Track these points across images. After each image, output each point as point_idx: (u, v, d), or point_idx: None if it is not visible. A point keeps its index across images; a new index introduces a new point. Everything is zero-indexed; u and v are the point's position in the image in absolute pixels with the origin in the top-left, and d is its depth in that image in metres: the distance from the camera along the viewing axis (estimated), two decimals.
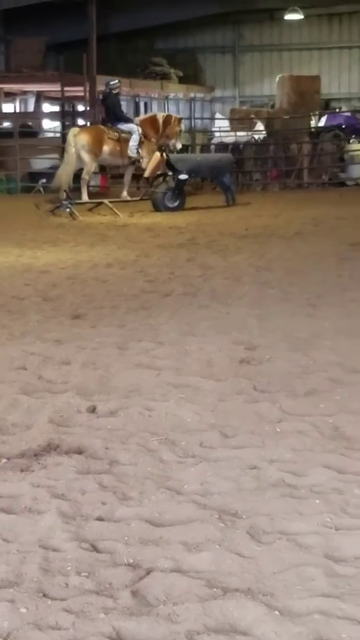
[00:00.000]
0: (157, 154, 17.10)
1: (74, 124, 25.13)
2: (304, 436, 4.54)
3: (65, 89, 24.06)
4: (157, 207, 16.58)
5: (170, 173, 16.63)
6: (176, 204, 16.61)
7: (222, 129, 24.62)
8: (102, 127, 18.28)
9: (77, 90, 24.55)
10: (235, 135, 22.85)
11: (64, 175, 17.35)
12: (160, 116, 19.10)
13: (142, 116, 20.18)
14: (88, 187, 17.78)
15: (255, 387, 5.42)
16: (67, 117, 26.28)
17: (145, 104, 31.57)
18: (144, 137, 18.13)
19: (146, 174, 17.61)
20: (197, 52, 32.26)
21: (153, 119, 18.84)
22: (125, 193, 18.26)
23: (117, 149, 17.70)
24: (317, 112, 24.36)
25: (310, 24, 30.70)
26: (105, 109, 18.69)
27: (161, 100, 30.89)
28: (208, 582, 3.06)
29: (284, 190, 20.68)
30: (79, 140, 17.43)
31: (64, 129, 24.14)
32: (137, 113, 30.00)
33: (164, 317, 7.40)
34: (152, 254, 11.09)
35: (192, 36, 31.99)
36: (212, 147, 19.75)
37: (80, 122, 26.65)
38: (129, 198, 18.06)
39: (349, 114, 25.84)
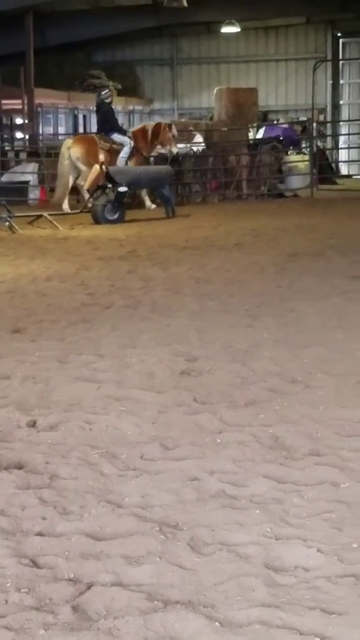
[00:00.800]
0: (97, 166, 17.07)
1: (12, 137, 25.07)
2: (244, 447, 4.57)
3: (3, 101, 23.94)
4: (97, 220, 16.54)
5: (110, 185, 16.61)
6: (116, 216, 16.59)
7: None
8: (94, 137, 18.63)
9: (14, 103, 24.47)
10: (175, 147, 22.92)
11: (61, 188, 18.03)
12: (149, 126, 19.30)
13: (133, 128, 20.35)
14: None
15: (195, 398, 5.44)
16: (5, 129, 26.10)
17: (84, 117, 31.51)
18: (135, 149, 18.47)
19: (86, 186, 17.57)
20: (135, 64, 32.32)
21: (143, 130, 19.06)
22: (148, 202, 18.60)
23: (108, 159, 17.92)
24: (255, 124, 24.55)
25: (247, 37, 30.97)
26: (99, 119, 18.93)
27: None
28: (149, 595, 3.06)
29: (224, 201, 20.78)
30: (73, 152, 17.87)
31: (2, 142, 24.02)
32: (75, 126, 30.01)
33: (104, 330, 7.38)
34: (92, 267, 11.07)
35: (130, 49, 32.05)
36: (151, 159, 19.84)
37: (19, 135, 26.58)
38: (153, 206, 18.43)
39: (286, 125, 26.11)
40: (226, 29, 28.63)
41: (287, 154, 22.79)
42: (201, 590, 3.09)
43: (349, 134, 30.55)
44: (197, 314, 7.96)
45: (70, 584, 3.16)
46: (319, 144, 25.80)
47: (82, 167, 17.86)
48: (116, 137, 18.33)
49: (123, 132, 18.81)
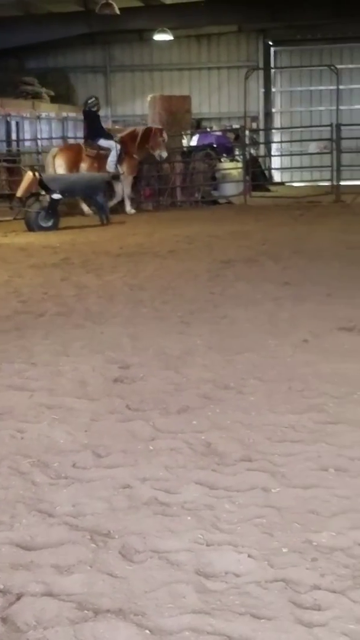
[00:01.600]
0: (30, 173, 16.97)
1: None
2: (177, 453, 4.58)
3: None
4: (31, 227, 16.44)
5: (43, 192, 16.52)
6: (50, 223, 16.51)
7: None
8: (80, 145, 19.49)
9: None
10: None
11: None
12: (140, 130, 19.87)
13: (124, 132, 20.78)
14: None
15: (128, 405, 5.43)
16: None
17: (17, 124, 31.27)
18: (125, 153, 19.06)
19: (19, 193, 17.45)
20: (68, 71, 32.22)
21: (133, 134, 19.63)
22: (128, 205, 19.42)
23: (95, 165, 18.83)
24: (188, 132, 24.64)
25: (180, 45, 31.10)
26: (86, 126, 19.74)
27: (33, 119, 30.66)
28: (79, 605, 3.04)
29: (158, 208, 20.81)
30: (57, 160, 18.76)
31: None
32: (7, 133, 29.73)
33: (37, 338, 7.34)
34: (25, 274, 10.99)
35: (63, 56, 31.96)
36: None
37: None
38: (132, 210, 19.25)
39: (219, 133, 26.23)
40: (159, 37, 28.72)
41: (220, 161, 22.90)
42: (132, 598, 3.08)
43: (281, 142, 30.86)
44: (131, 321, 7.95)
45: (0, 595, 3.13)
46: (252, 151, 26.00)
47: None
48: (102, 142, 19.08)
49: (109, 137, 19.40)
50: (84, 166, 18.88)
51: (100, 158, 18.95)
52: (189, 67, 31.71)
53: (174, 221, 17.69)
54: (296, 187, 26.52)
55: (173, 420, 5.14)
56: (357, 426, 4.91)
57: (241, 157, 23.01)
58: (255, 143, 28.88)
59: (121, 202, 19.69)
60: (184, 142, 24.35)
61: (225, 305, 8.54)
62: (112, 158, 18.95)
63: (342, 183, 21.60)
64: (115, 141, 19.16)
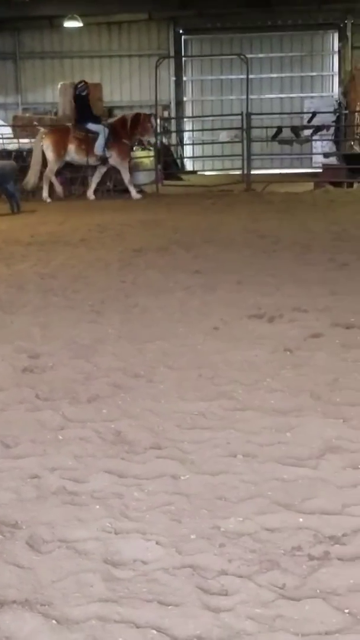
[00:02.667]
0: None
1: None
2: (86, 442, 4.55)
3: None
4: None
5: None
6: None
7: (4, 136, 24.31)
8: (68, 127, 19.88)
9: None
10: (19, 143, 22.61)
11: (33, 175, 19.43)
12: (129, 116, 19.92)
13: (114, 118, 21.02)
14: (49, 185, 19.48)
15: (37, 395, 5.38)
16: None
17: None
18: (116, 137, 19.29)
19: None
20: None
21: (122, 120, 19.80)
22: (90, 192, 19.81)
23: (82, 147, 19.27)
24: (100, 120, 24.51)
25: (90, 32, 30.90)
26: (76, 110, 19.97)
27: None
28: None
29: (70, 197, 20.66)
30: (44, 142, 19.29)
31: None
32: None
33: None
34: None
35: None
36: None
37: None
38: (138, 196, 19.58)
39: None
40: (69, 24, 28.48)
41: (132, 149, 22.84)
42: (39, 588, 3.06)
43: (192, 130, 30.95)
44: (41, 310, 7.88)
45: None
46: (164, 140, 26.00)
47: (49, 155, 19.21)
48: (91, 126, 19.39)
49: (98, 121, 19.73)
50: (71, 147, 19.32)
51: (88, 141, 19.29)
52: (100, 55, 31.54)
53: (85, 210, 17.59)
54: (208, 175, 26.63)
55: (83, 409, 5.11)
56: (266, 413, 4.96)
57: (153, 145, 22.99)
58: (167, 132, 28.87)
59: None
60: None
61: (136, 294, 8.52)
62: (100, 141, 19.27)
63: (253, 172, 21.77)
64: (104, 125, 19.49)
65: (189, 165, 30.05)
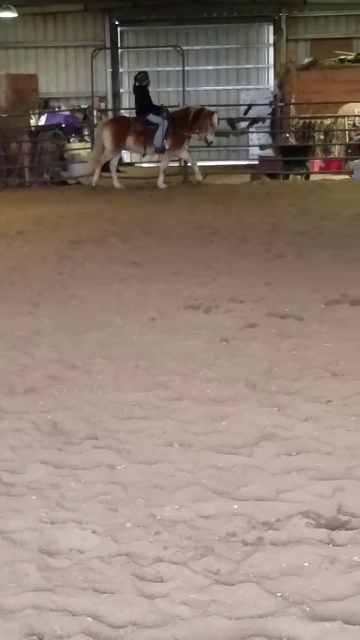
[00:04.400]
0: None
1: None
2: (23, 434, 4.55)
3: None
4: None
5: None
6: None
7: None
8: (128, 118, 20.01)
9: None
10: None
11: (92, 163, 19.65)
12: (193, 109, 19.66)
13: (177, 109, 20.58)
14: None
15: None
16: None
17: None
18: (174, 127, 19.06)
19: None
20: None
21: (185, 112, 19.58)
22: (161, 179, 19.47)
23: (141, 139, 19.12)
24: (36, 111, 24.35)
25: (25, 23, 30.60)
26: (136, 100, 19.78)
27: None
28: None
29: (6, 189, 20.48)
30: (104, 131, 19.29)
31: None
32: None
33: None
34: None
35: None
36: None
37: None
38: (164, 185, 19.33)
39: (68, 113, 26.02)
40: (3, 14, 28.17)
41: (69, 141, 22.74)
42: None
43: None
44: None
45: None
46: None
47: (108, 145, 19.20)
48: (151, 117, 19.18)
49: (157, 111, 19.40)
50: (130, 140, 19.21)
51: (147, 133, 19.12)
52: (35, 46, 31.25)
53: (22, 202, 17.46)
54: (145, 167, 26.59)
55: (19, 400, 5.11)
56: (202, 402, 5.01)
57: (90, 137, 22.90)
58: None
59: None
60: (32, 121, 24.07)
61: (73, 285, 8.51)
62: (159, 133, 19.14)
63: (190, 164, 21.80)
64: (163, 117, 19.25)
65: (126, 157, 29.97)
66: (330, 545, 3.27)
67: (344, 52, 27.50)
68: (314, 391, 5.12)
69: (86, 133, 24.29)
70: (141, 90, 19.76)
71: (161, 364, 5.80)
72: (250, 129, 24.36)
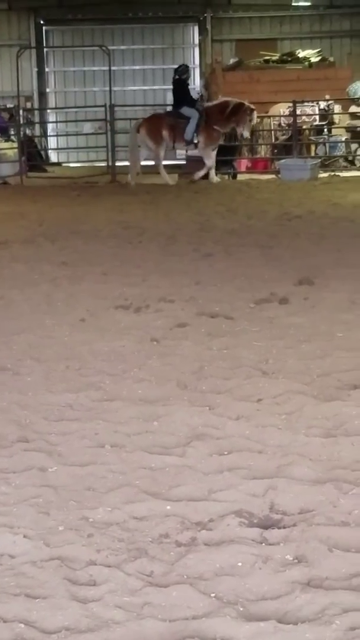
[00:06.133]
0: None
1: None
2: None
3: None
4: None
5: None
6: None
7: None
8: (161, 114, 20.22)
9: None
10: None
11: (132, 162, 19.56)
12: (232, 103, 19.18)
13: (214, 101, 20.17)
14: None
15: None
16: None
17: None
18: (208, 121, 18.81)
19: None
20: None
21: (223, 105, 19.18)
22: (212, 174, 19.41)
23: (172, 134, 19.06)
24: None
25: None
26: (173, 94, 19.52)
27: None
28: None
29: None
30: (141, 132, 19.28)
31: None
32: None
33: None
34: None
35: None
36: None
37: None
38: (217, 179, 19.32)
39: None
40: None
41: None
42: None
43: (56, 122, 30.67)
44: None
45: None
46: (27, 131, 25.70)
47: (150, 145, 19.32)
48: (184, 110, 18.99)
49: (193, 105, 19.22)
50: (165, 134, 19.09)
51: (178, 126, 18.97)
52: None
53: None
54: (73, 167, 26.45)
55: None
56: (133, 403, 4.98)
57: (16, 136, 22.68)
58: (30, 123, 28.53)
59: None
60: None
61: (1, 286, 8.41)
62: (190, 127, 18.91)
63: (118, 164, 21.76)
64: (198, 109, 19.07)
65: (53, 157, 29.77)
66: (263, 544, 3.27)
67: (269, 53, 27.71)
68: (245, 390, 5.13)
69: (12, 133, 24.04)
70: (180, 83, 19.65)
71: (92, 364, 5.76)
72: None
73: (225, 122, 19.27)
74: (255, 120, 19.92)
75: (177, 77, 19.85)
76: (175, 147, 19.68)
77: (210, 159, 19.62)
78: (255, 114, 19.61)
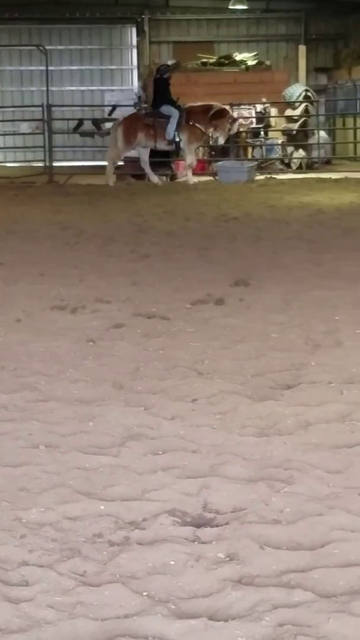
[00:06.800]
0: None
1: None
2: None
3: None
4: None
5: None
6: None
7: None
8: (138, 114, 20.01)
9: None
10: None
11: (109, 159, 19.64)
12: (216, 107, 19.17)
13: (199, 103, 19.67)
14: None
15: None
16: None
17: None
18: (190, 120, 18.74)
19: None
20: None
21: (207, 108, 19.08)
22: (189, 176, 19.32)
23: (152, 133, 18.92)
24: None
25: None
26: (153, 93, 19.39)
27: None
28: None
29: None
30: (117, 129, 19.22)
31: None
32: None
33: None
34: None
35: None
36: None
37: None
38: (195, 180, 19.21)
39: None
40: None
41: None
42: None
43: None
44: None
45: None
46: None
47: (120, 143, 19.20)
48: (164, 108, 18.86)
49: (173, 104, 19.04)
50: (140, 135, 19.00)
51: (157, 126, 18.84)
52: None
53: None
54: (9, 167, 26.25)
55: None
56: (69, 403, 4.98)
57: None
58: None
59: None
60: None
61: None
62: (171, 126, 18.80)
63: (55, 164, 21.68)
64: (181, 107, 18.97)
65: None
66: (196, 542, 3.29)
67: (206, 56, 27.84)
68: (180, 390, 5.16)
69: None
70: (161, 83, 19.52)
71: (27, 365, 5.74)
72: None
73: (207, 124, 19.31)
74: (235, 130, 20.14)
75: (158, 76, 19.79)
76: (157, 146, 19.50)
77: (191, 157, 19.65)
78: (236, 125, 19.89)
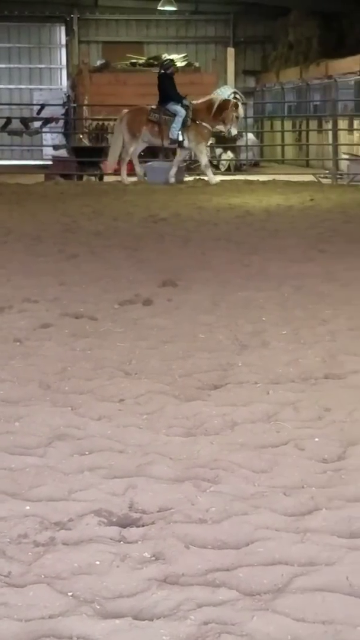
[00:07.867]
0: None
1: None
2: None
3: None
4: None
5: None
6: None
7: None
8: (146, 108, 18.86)
9: None
10: None
11: (112, 153, 19.08)
12: (218, 100, 18.47)
13: (200, 99, 18.98)
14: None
15: None
16: None
17: None
18: (196, 119, 18.17)
19: None
20: None
21: (209, 103, 18.44)
22: (210, 175, 18.98)
23: (156, 130, 18.54)
24: None
25: None
26: (159, 89, 18.58)
27: None
28: None
29: None
30: (122, 121, 18.69)
31: None
32: None
33: None
34: None
35: None
36: None
37: None
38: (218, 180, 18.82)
39: None
40: None
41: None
42: None
43: None
44: None
45: None
46: None
47: (125, 137, 18.71)
48: (170, 106, 18.28)
49: (179, 101, 18.46)
50: (146, 130, 18.63)
51: (163, 124, 18.37)
52: None
53: None
54: None
55: None
56: None
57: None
58: None
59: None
60: None
61: None
62: (175, 124, 18.29)
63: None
64: (186, 105, 18.44)
65: None
66: (122, 542, 3.29)
67: (136, 56, 27.84)
68: (107, 390, 5.15)
69: None
70: (165, 78, 18.98)
71: None
72: (44, 129, 24.25)
73: (213, 121, 18.90)
74: (241, 113, 19.58)
75: (162, 71, 19.38)
76: (163, 144, 19.21)
77: (204, 157, 19.26)
78: (240, 108, 19.27)
